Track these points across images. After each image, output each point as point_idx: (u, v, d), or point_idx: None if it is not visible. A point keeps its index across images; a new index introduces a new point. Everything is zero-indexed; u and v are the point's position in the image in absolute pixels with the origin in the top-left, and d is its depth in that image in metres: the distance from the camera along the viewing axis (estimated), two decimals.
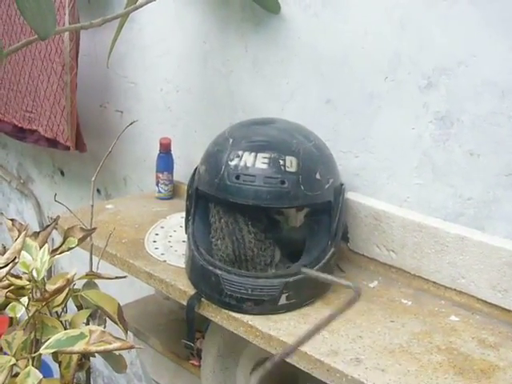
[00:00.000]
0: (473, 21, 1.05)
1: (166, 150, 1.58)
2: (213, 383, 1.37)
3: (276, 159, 1.08)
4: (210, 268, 1.09)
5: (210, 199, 1.15)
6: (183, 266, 1.20)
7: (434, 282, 1.16)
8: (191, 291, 1.14)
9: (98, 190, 1.99)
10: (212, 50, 1.50)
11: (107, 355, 0.88)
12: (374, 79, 1.21)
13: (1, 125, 2.00)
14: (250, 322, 1.06)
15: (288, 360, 1.01)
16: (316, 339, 1.01)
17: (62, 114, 1.72)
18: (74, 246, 0.80)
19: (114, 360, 0.89)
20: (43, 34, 0.96)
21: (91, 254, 1.10)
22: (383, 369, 0.94)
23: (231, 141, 1.13)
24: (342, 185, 1.18)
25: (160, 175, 1.59)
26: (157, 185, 1.60)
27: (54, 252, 0.80)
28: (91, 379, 0.97)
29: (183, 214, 1.25)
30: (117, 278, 0.87)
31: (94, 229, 0.82)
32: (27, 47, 1.76)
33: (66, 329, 0.80)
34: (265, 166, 1.07)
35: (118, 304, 0.82)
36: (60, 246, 0.81)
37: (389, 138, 1.21)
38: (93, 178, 1.14)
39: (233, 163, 1.09)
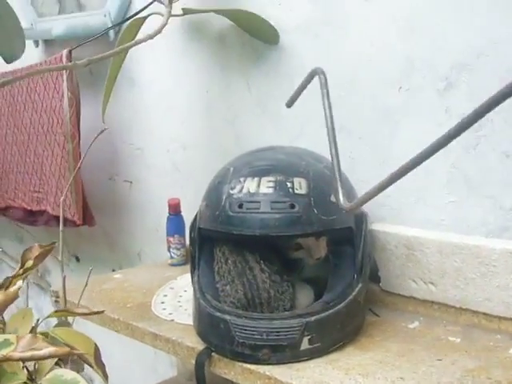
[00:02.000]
0: (485, 5, 0.94)
1: (175, 211, 1.46)
2: None
3: (283, 182, 0.94)
4: (218, 314, 0.94)
5: (214, 239, 1.02)
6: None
7: (485, 314, 0.99)
8: (201, 347, 0.98)
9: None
10: (215, 98, 1.41)
11: None
12: (386, 93, 1.09)
13: (12, 212, 1.92)
14: (267, 373, 0.89)
15: None
16: None
17: (68, 188, 1.62)
18: (29, 266, 0.66)
19: None
20: (9, 58, 0.87)
21: (64, 285, 0.96)
22: None
23: (232, 170, 1.01)
24: (364, 213, 1.04)
25: (171, 239, 1.46)
26: (168, 250, 1.46)
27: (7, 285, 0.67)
28: None
29: None
30: (96, 313, 0.72)
31: (54, 243, 0.69)
32: (31, 123, 1.71)
33: (31, 375, 0.66)
34: (270, 191, 0.94)
35: (95, 344, 0.68)
36: (15, 276, 0.67)
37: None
38: (61, 199, 1.01)
39: (234, 191, 0.96)
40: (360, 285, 0.98)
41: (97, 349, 0.69)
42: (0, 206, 1.97)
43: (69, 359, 0.70)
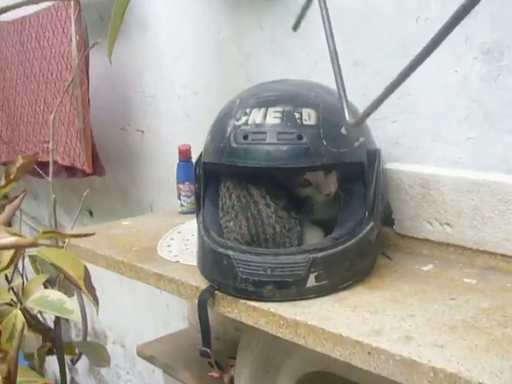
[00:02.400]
0: None
1: (185, 157, 1.42)
2: None
3: (290, 112, 0.89)
4: (221, 250, 0.90)
5: (219, 175, 0.98)
6: None
7: (503, 255, 0.93)
8: (204, 286, 0.94)
9: None
10: (227, 39, 1.36)
11: (86, 346, 0.69)
12: (403, 24, 1.03)
13: None
14: (271, 310, 0.85)
15: (321, 349, 0.79)
16: (353, 320, 0.79)
17: (77, 137, 1.59)
18: (12, 176, 0.63)
19: (94, 351, 0.69)
20: None
21: (54, 207, 0.93)
22: (442, 345, 0.71)
23: (238, 101, 0.96)
24: (377, 149, 0.99)
25: (181, 186, 1.42)
26: (178, 198, 1.43)
27: None
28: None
29: None
30: (85, 235, 0.69)
31: (37, 154, 0.65)
32: (40, 71, 1.67)
33: (17, 297, 0.63)
34: (277, 121, 0.89)
35: (85, 267, 0.64)
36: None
37: (429, 91, 1.01)
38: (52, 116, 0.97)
39: (239, 123, 0.91)
40: (371, 223, 0.93)
41: (87, 272, 0.65)
42: (12, 159, 1.94)
43: (57, 282, 0.66)
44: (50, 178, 0.90)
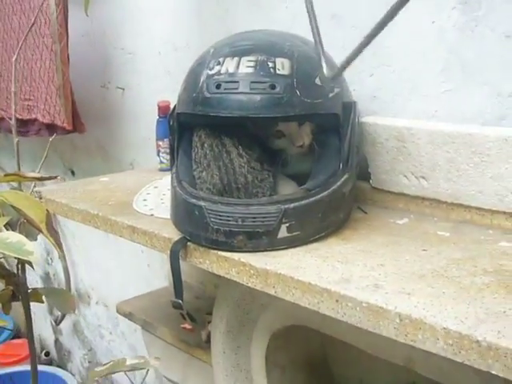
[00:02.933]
0: None
1: (165, 113, 1.40)
2: (224, 366, 1.16)
3: (264, 61, 0.88)
4: (193, 201, 0.89)
5: (193, 126, 0.96)
6: None
7: (478, 208, 0.93)
8: (177, 238, 0.94)
9: None
10: None
11: (51, 293, 0.68)
12: None
13: (3, 124, 1.87)
14: (242, 260, 0.84)
15: (290, 298, 0.79)
16: (323, 270, 0.79)
17: (57, 93, 1.57)
18: None
19: (60, 298, 0.69)
20: None
21: (17, 151, 0.92)
22: (409, 293, 0.71)
23: (212, 51, 0.94)
24: (353, 102, 0.97)
25: (160, 143, 1.40)
26: (158, 155, 1.41)
27: None
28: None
29: None
30: (49, 178, 0.67)
31: None
32: (20, 27, 1.64)
33: None
34: (250, 70, 0.87)
35: (47, 211, 0.63)
36: None
37: (406, 43, 1.00)
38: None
39: (212, 72, 0.90)
40: (345, 175, 0.92)
41: (49, 215, 0.64)
42: None
43: (17, 225, 0.65)
44: (12, 121, 0.88)
